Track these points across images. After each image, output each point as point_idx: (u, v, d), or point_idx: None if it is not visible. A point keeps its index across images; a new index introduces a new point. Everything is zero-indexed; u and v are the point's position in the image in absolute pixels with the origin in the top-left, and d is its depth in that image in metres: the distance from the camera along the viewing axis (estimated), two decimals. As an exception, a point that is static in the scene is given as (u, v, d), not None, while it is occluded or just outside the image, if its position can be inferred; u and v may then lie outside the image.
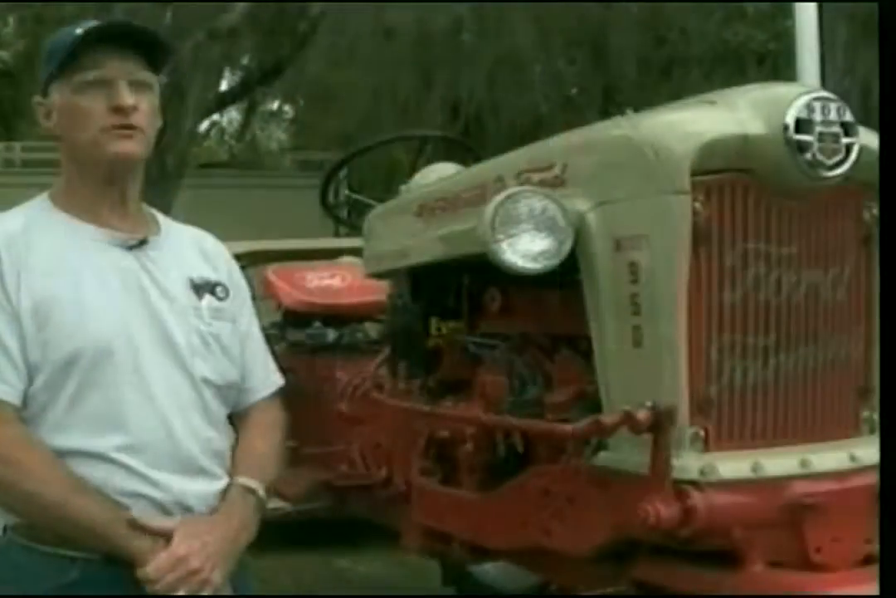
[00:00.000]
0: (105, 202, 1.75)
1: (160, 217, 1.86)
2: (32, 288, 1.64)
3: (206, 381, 1.74)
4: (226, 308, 1.80)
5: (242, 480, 1.76)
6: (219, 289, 1.81)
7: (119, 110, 1.68)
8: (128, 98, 1.68)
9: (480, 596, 3.73)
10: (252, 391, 1.88)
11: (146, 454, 1.65)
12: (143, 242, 1.75)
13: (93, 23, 1.72)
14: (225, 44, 9.83)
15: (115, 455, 1.63)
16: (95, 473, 1.62)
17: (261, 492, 1.77)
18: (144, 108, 1.71)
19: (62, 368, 1.62)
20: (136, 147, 1.71)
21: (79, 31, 1.70)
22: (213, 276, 1.82)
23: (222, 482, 1.75)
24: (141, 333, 1.68)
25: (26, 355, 1.63)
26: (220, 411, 1.79)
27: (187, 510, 1.68)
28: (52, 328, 1.63)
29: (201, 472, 1.71)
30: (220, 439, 1.78)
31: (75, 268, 1.68)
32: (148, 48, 1.72)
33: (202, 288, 1.78)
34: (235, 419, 1.85)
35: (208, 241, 1.91)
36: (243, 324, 1.86)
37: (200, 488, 1.70)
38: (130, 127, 1.69)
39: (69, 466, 1.62)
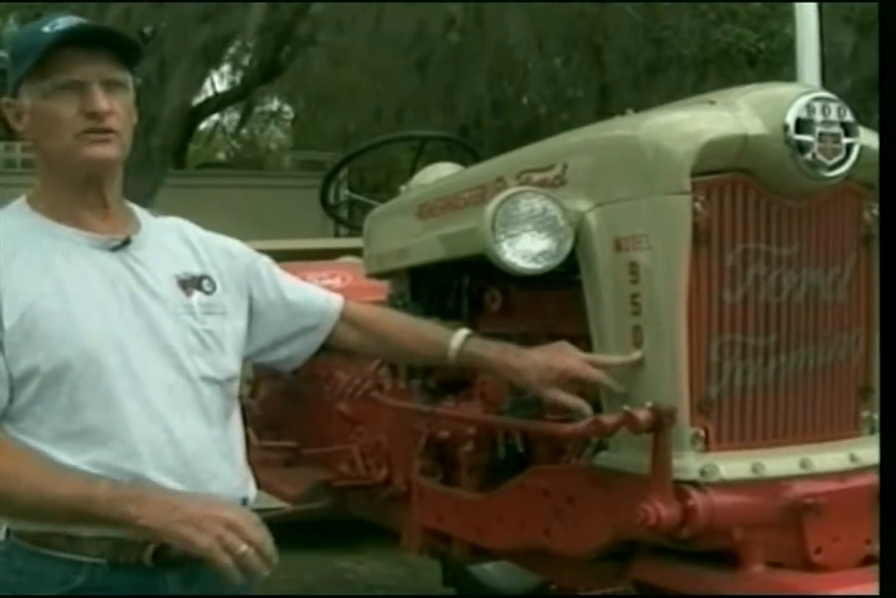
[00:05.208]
0: (84, 204, 1.70)
1: (138, 211, 1.81)
2: (16, 298, 1.58)
3: (206, 378, 1.70)
4: (215, 302, 1.75)
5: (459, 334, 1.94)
6: (205, 282, 1.76)
7: (94, 115, 1.63)
8: (102, 103, 1.63)
9: (480, 596, 3.73)
10: (327, 313, 1.95)
11: (147, 462, 1.60)
12: (126, 242, 1.70)
13: (61, 23, 1.65)
14: (211, 27, 9.77)
15: (115, 465, 1.58)
16: None
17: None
18: (119, 109, 1.66)
19: (53, 377, 1.57)
20: (112, 151, 1.66)
21: (46, 29, 1.64)
22: (197, 269, 1.76)
23: (230, 485, 1.71)
24: (131, 336, 1.63)
25: (4, 366, 1.57)
26: (223, 410, 1.74)
27: None
28: (39, 337, 1.57)
29: (206, 475, 1.66)
30: (225, 438, 1.73)
31: (59, 274, 1.62)
32: (118, 47, 1.67)
33: (189, 284, 1.73)
34: (333, 342, 1.96)
35: (187, 229, 1.85)
36: (269, 291, 1.89)
37: (206, 493, 1.64)
38: (106, 131, 1.65)
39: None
